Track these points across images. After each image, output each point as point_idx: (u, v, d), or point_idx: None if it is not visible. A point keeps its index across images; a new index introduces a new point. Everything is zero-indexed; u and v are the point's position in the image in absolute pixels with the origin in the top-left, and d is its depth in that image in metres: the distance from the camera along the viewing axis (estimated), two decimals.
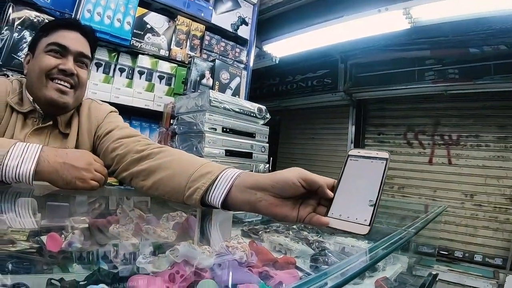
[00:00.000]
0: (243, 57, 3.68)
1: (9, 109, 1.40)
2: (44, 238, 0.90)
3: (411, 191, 5.42)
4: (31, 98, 1.42)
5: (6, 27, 2.33)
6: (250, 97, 3.37)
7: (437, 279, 2.14)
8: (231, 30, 3.62)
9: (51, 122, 1.45)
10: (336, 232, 0.95)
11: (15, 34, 2.36)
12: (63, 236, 0.91)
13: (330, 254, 1.30)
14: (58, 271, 0.84)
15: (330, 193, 0.83)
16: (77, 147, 1.48)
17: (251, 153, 2.78)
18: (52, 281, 0.74)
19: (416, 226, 1.26)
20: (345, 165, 0.87)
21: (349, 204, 0.82)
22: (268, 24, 4.46)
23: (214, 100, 2.53)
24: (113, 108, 1.64)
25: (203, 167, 1.03)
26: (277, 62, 4.92)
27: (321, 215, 0.83)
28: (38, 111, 1.42)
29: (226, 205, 0.94)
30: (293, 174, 0.84)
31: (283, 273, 0.95)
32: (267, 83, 7.13)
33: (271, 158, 3.11)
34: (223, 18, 3.56)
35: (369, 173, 0.83)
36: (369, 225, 0.77)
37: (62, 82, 1.40)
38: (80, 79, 1.46)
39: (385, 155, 0.84)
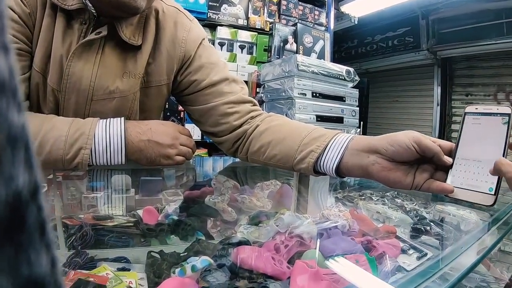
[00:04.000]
0: (323, 19, 3.57)
1: (50, 8, 0.99)
2: (140, 212, 0.92)
3: None
4: None
5: None
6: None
7: None
8: None
9: (105, 33, 0.99)
10: (457, 202, 0.87)
11: None
12: (158, 209, 0.94)
13: (432, 224, 1.20)
14: (156, 244, 0.85)
15: (448, 160, 0.77)
16: (147, 71, 1.11)
17: (342, 117, 2.70)
18: (152, 253, 0.74)
19: None
20: (462, 125, 0.79)
21: (470, 170, 0.74)
22: None
23: (301, 64, 2.46)
24: (204, 32, 1.27)
25: (315, 131, 0.98)
26: (356, 22, 4.74)
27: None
28: (90, 11, 0.99)
29: (338, 170, 0.90)
30: (407, 137, 0.78)
31: (385, 243, 0.89)
32: (345, 45, 6.87)
33: (361, 123, 2.99)
34: None
35: (491, 133, 0.75)
36: (494, 194, 0.69)
37: None
38: None
39: (507, 110, 0.74)
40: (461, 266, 0.58)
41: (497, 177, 0.70)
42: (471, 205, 0.84)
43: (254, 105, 1.20)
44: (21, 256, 0.14)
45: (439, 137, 0.83)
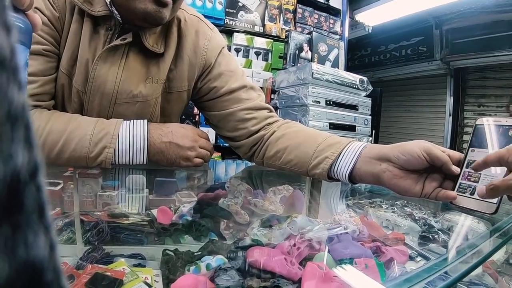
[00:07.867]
0: (337, 28, 3.59)
1: (78, 14, 1.02)
2: (154, 211, 0.93)
3: None
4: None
5: None
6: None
7: None
8: (322, 0, 3.53)
9: (130, 39, 1.03)
10: (461, 210, 0.87)
11: None
12: (172, 209, 0.94)
13: (440, 232, 1.21)
14: (170, 243, 0.85)
15: (456, 170, 0.78)
16: (169, 77, 1.15)
17: (354, 126, 2.71)
18: (167, 251, 0.74)
19: None
20: (472, 137, 0.81)
21: (476, 179, 0.75)
22: None
23: (316, 73, 2.48)
24: (223, 40, 1.31)
25: (330, 138, 1.01)
26: (370, 31, 4.71)
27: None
28: (116, 18, 1.03)
29: (351, 177, 0.92)
30: (418, 147, 0.80)
31: (393, 249, 0.90)
32: (358, 54, 6.81)
33: (373, 131, 3.00)
34: None
35: (498, 143, 0.76)
36: (496, 203, 0.70)
37: None
38: None
39: None
40: (458, 271, 0.59)
41: None
42: (474, 213, 0.85)
43: (271, 111, 1.22)
44: (19, 237, 0.13)
45: (451, 148, 0.84)
